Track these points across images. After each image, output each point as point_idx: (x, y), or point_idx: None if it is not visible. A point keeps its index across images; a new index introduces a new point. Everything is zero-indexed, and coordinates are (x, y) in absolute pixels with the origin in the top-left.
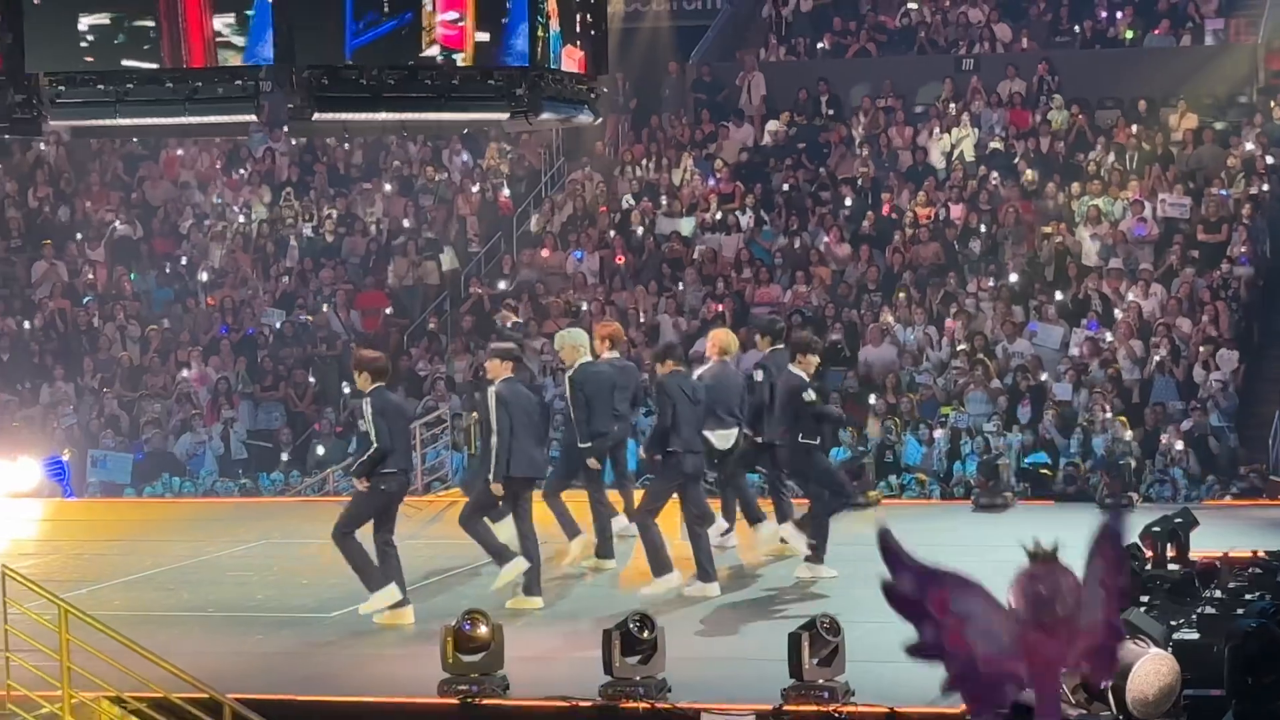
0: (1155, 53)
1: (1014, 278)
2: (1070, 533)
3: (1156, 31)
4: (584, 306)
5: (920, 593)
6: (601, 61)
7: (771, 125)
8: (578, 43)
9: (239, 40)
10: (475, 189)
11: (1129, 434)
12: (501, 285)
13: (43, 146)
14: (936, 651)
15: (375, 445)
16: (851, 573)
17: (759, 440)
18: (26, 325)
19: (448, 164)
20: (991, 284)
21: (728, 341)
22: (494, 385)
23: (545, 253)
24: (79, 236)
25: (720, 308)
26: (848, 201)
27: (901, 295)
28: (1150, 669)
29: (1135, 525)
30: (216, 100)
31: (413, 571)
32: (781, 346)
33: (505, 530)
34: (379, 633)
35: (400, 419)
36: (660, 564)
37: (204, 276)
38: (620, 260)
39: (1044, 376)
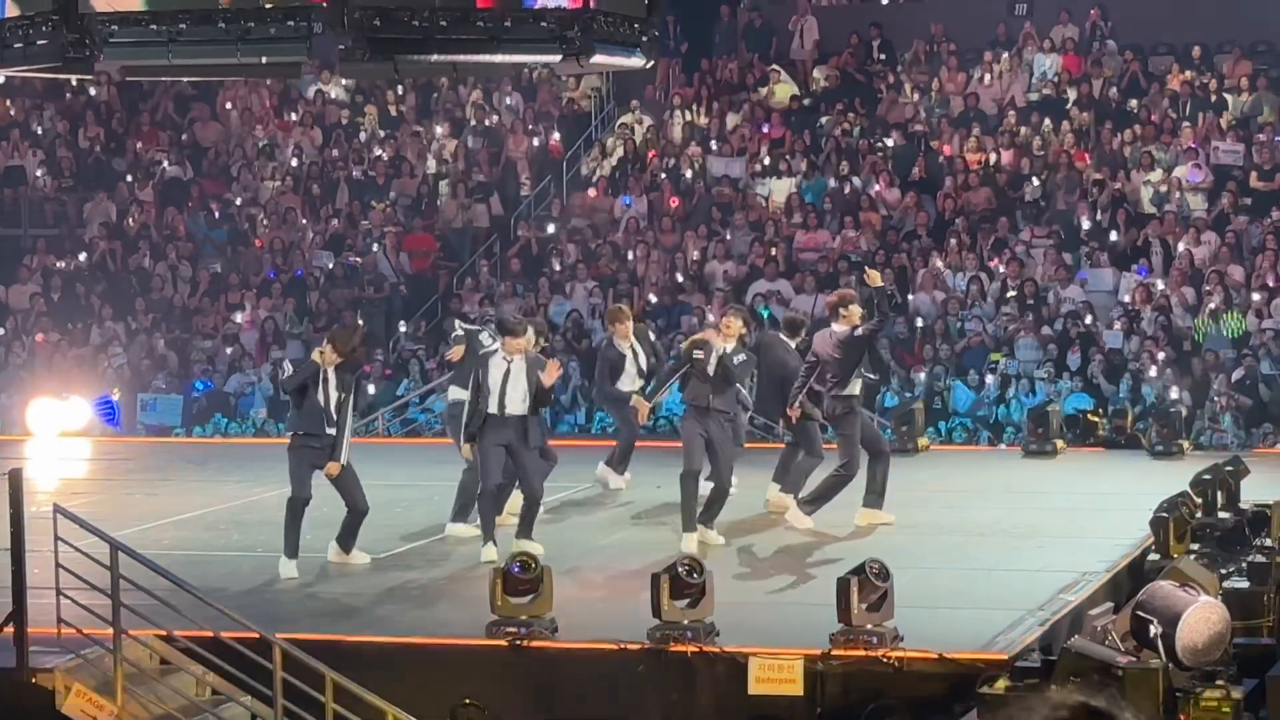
0: None
1: (1065, 224)
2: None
3: None
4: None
5: None
6: (655, 3)
7: (822, 70)
8: None
9: None
10: (525, 132)
11: (1179, 383)
12: (550, 229)
13: (92, 92)
14: None
15: None
16: (900, 520)
17: None
18: (79, 262)
19: (498, 106)
20: (1043, 230)
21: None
22: None
23: (593, 195)
24: (129, 178)
25: (771, 252)
26: (890, 143)
27: (952, 241)
28: (1200, 617)
29: (1186, 473)
30: (268, 41)
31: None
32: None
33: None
34: (427, 575)
35: None
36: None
37: (254, 218)
38: (671, 204)
39: (1089, 320)
